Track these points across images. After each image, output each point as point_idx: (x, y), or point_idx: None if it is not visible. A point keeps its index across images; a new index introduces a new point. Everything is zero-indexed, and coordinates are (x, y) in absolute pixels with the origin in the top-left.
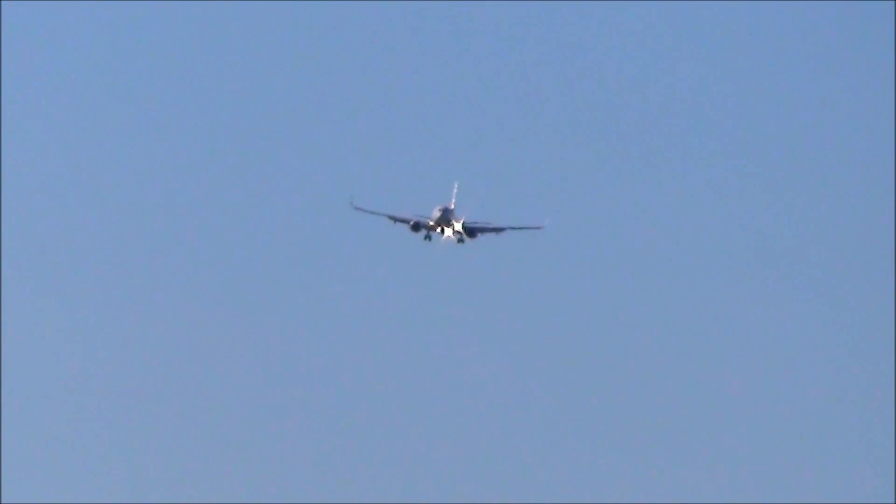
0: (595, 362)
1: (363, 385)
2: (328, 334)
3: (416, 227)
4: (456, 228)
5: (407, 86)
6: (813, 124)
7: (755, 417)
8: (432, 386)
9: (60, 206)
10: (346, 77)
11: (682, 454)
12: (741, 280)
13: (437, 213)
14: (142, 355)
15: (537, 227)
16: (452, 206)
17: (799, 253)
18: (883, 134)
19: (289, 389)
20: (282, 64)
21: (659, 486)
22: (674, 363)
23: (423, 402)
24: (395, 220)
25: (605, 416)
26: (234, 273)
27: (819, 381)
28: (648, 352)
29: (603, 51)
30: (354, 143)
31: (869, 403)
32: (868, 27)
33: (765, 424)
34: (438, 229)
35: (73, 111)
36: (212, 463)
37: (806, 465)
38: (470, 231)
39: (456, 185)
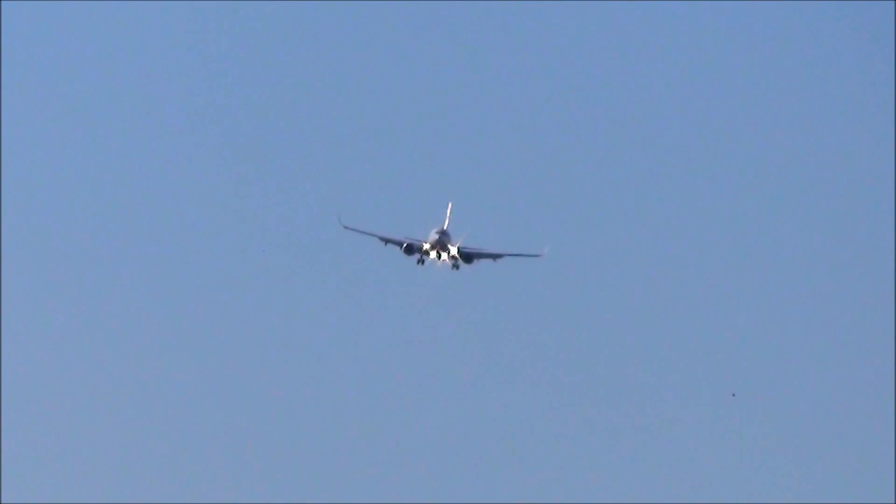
0: (594, 397)
1: (348, 410)
2: (313, 360)
3: (410, 249)
4: (451, 253)
5: (406, 101)
6: (813, 124)
7: (755, 443)
8: (420, 415)
9: (58, 207)
10: (340, 90)
11: (678, 473)
12: (744, 311)
13: (433, 236)
14: (134, 361)
15: (536, 255)
16: (448, 229)
17: (800, 259)
18: (883, 134)
19: (272, 415)
20: (273, 77)
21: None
22: (675, 395)
23: (410, 431)
24: (387, 241)
25: (602, 449)
26: (219, 292)
27: (821, 386)
28: (650, 388)
29: (607, 76)
30: (345, 159)
31: (869, 404)
32: (868, 27)
33: (765, 438)
34: (433, 253)
35: (72, 111)
36: (210, 463)
37: (806, 465)
38: (466, 256)
39: (450, 207)
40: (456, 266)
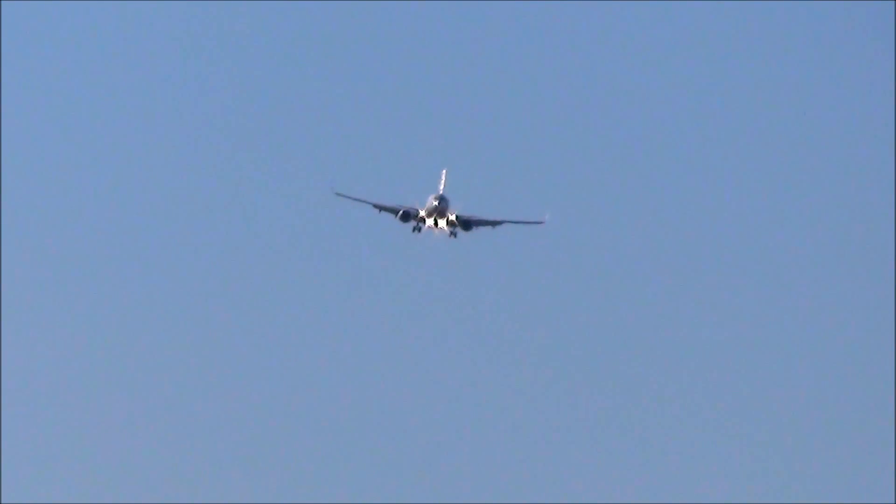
0: (595, 368)
1: (342, 384)
2: (305, 333)
3: (406, 216)
4: (450, 220)
5: (401, 65)
6: (813, 124)
7: (753, 415)
8: (416, 389)
9: (55, 206)
10: (332, 55)
11: (680, 453)
12: (741, 277)
13: (431, 202)
14: (125, 348)
15: (537, 223)
16: (446, 195)
17: (797, 252)
18: (883, 134)
19: (266, 389)
20: (265, 45)
21: (658, 485)
22: (675, 365)
23: (403, 405)
24: (381, 208)
25: (603, 420)
26: (210, 266)
27: (819, 383)
28: (650, 358)
29: (605, 44)
30: (336, 123)
31: (869, 404)
32: (868, 27)
33: (764, 424)
34: (431, 220)
35: (72, 111)
36: (208, 463)
37: (806, 465)
38: (465, 224)
39: (444, 173)
40: (454, 234)
